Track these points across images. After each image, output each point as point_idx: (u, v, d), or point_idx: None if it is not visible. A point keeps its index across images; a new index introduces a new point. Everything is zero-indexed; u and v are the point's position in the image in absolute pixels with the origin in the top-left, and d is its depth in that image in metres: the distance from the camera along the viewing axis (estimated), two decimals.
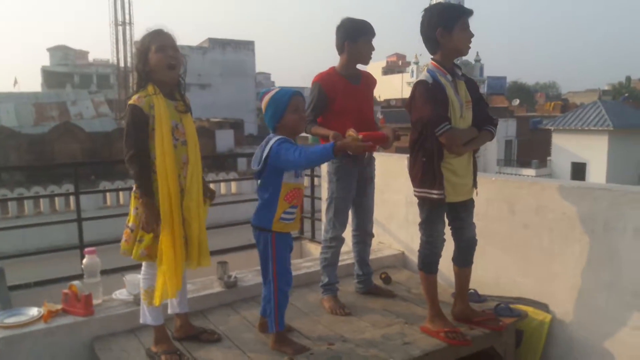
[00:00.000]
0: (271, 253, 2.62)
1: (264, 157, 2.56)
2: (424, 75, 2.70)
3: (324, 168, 4.81)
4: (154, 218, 2.47)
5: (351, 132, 2.95)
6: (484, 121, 2.80)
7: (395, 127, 3.20)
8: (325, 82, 3.16)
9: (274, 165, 2.55)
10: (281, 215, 2.61)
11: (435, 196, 2.68)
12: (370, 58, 3.22)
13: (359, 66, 3.28)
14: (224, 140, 24.73)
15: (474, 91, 2.83)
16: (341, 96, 3.15)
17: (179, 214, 2.53)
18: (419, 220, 3.74)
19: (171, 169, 2.49)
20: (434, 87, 2.64)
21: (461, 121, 2.71)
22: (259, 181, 2.67)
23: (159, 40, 2.52)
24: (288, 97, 2.59)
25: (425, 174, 2.70)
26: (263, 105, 2.64)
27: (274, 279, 2.63)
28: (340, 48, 3.19)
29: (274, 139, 2.56)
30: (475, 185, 2.87)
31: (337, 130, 2.99)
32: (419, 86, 2.68)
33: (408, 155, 4.12)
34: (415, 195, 2.81)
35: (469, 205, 2.89)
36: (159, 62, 2.51)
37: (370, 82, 3.35)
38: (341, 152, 2.51)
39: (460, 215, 2.86)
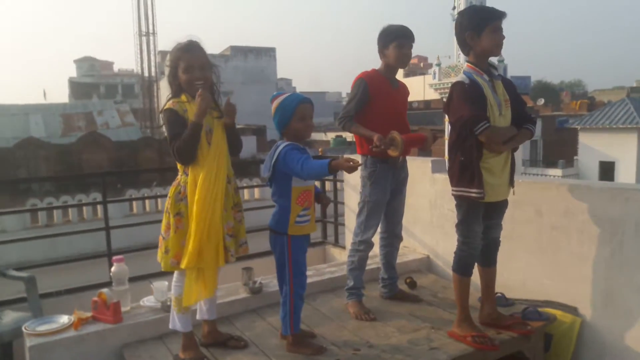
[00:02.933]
0: (287, 256, 2.66)
1: (272, 163, 2.59)
2: (460, 77, 2.73)
3: (347, 174, 4.80)
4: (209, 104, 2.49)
5: (395, 134, 2.95)
6: (523, 120, 2.80)
7: (433, 130, 3.23)
8: (371, 80, 3.20)
9: (282, 171, 2.59)
10: (295, 218, 2.65)
11: (474, 195, 2.67)
12: (402, 62, 3.22)
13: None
14: (247, 146, 24.86)
15: (512, 91, 2.83)
16: (382, 97, 3.18)
17: (217, 215, 2.54)
18: (442, 224, 3.72)
19: (207, 170, 2.52)
20: (470, 87, 2.67)
21: (501, 119, 2.71)
22: (271, 187, 2.70)
23: (186, 60, 2.55)
24: (294, 106, 2.61)
25: (464, 172, 2.70)
26: (272, 109, 2.67)
27: (290, 282, 2.66)
28: (379, 52, 3.26)
29: (282, 145, 2.60)
30: (512, 184, 2.85)
31: (376, 131, 3.03)
32: (456, 87, 2.71)
33: (432, 158, 4.13)
34: (453, 195, 2.80)
35: (502, 206, 2.88)
36: (186, 82, 2.56)
37: (405, 90, 3.41)
38: (335, 171, 2.50)
39: (492, 215, 2.85)
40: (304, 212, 2.67)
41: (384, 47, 3.20)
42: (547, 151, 31.51)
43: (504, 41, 2.73)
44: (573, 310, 3.03)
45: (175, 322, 2.67)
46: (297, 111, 2.61)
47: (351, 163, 2.45)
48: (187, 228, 2.52)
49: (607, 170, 24.83)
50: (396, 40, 3.17)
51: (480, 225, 2.79)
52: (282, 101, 2.64)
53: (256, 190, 13.78)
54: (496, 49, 2.71)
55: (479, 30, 2.68)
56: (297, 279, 2.67)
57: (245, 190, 13.49)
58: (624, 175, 23.56)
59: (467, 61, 2.79)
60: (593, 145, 25.63)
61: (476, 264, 2.88)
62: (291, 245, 2.66)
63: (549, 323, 2.96)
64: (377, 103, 3.17)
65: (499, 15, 2.69)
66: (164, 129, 2.60)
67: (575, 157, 27.80)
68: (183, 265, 2.51)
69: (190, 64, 2.55)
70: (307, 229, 2.71)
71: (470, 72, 2.73)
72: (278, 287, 2.77)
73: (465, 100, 2.65)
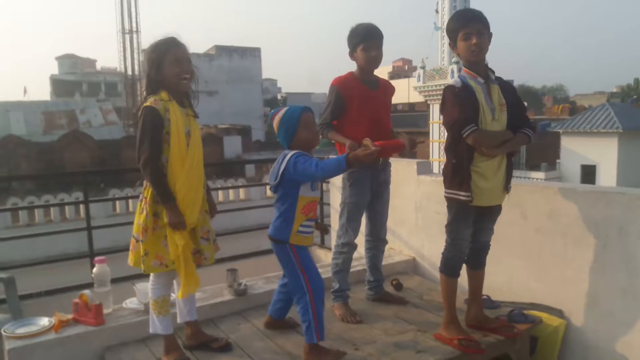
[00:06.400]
0: (297, 264, 2.59)
1: (280, 171, 2.55)
2: (453, 80, 2.74)
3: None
4: (180, 218, 2.47)
5: (366, 141, 2.94)
6: (520, 124, 2.79)
7: (413, 136, 3.18)
8: (343, 86, 3.16)
9: (291, 179, 2.54)
10: (298, 228, 2.60)
11: (462, 197, 2.69)
12: (371, 64, 3.18)
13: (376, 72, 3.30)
14: (232, 146, 24.80)
15: (511, 94, 2.82)
16: (358, 101, 3.14)
17: (194, 217, 2.57)
18: (428, 225, 3.72)
19: (187, 173, 2.51)
20: (461, 90, 2.67)
21: (494, 124, 2.70)
22: (276, 194, 2.65)
23: (174, 53, 2.52)
24: (298, 115, 2.60)
25: (455, 175, 2.72)
26: (275, 125, 2.65)
27: (309, 289, 2.57)
28: (350, 56, 3.22)
29: (290, 153, 2.57)
30: (507, 189, 2.84)
31: (352, 136, 3.00)
32: (447, 91, 2.72)
33: (418, 160, 4.14)
34: (445, 196, 2.81)
35: (495, 210, 2.87)
36: (174, 75, 2.52)
37: (388, 89, 3.35)
38: (355, 163, 2.45)
39: (483, 219, 2.84)
40: (308, 223, 2.63)
41: (353, 51, 3.18)
42: (529, 154, 31.84)
43: (489, 45, 2.72)
44: (558, 313, 3.05)
45: (155, 325, 2.63)
46: (302, 121, 2.59)
47: (369, 151, 2.40)
48: (164, 229, 2.51)
49: (588, 173, 25.17)
50: (362, 43, 3.13)
51: (469, 228, 2.79)
52: (285, 114, 2.62)
53: (241, 190, 13.73)
54: (470, 55, 2.69)
55: (454, 39, 2.73)
56: (314, 284, 2.58)
57: (230, 191, 13.43)
58: (605, 178, 23.90)
59: (463, 65, 2.81)
60: (575, 149, 25.96)
61: (465, 266, 2.88)
62: (297, 252, 2.60)
63: (535, 326, 2.97)
64: (353, 107, 3.14)
65: (464, 23, 2.68)
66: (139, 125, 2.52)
67: (557, 161, 28.14)
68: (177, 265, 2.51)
69: (180, 57, 2.53)
70: (307, 241, 2.66)
71: (465, 75, 2.74)
72: (293, 296, 2.68)
73: (455, 103, 2.66)
